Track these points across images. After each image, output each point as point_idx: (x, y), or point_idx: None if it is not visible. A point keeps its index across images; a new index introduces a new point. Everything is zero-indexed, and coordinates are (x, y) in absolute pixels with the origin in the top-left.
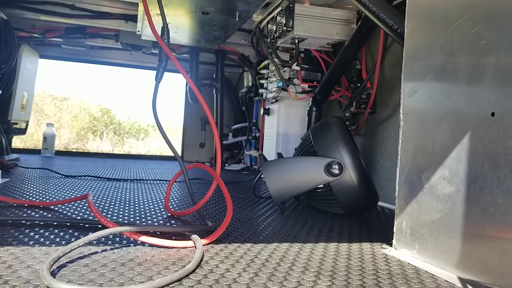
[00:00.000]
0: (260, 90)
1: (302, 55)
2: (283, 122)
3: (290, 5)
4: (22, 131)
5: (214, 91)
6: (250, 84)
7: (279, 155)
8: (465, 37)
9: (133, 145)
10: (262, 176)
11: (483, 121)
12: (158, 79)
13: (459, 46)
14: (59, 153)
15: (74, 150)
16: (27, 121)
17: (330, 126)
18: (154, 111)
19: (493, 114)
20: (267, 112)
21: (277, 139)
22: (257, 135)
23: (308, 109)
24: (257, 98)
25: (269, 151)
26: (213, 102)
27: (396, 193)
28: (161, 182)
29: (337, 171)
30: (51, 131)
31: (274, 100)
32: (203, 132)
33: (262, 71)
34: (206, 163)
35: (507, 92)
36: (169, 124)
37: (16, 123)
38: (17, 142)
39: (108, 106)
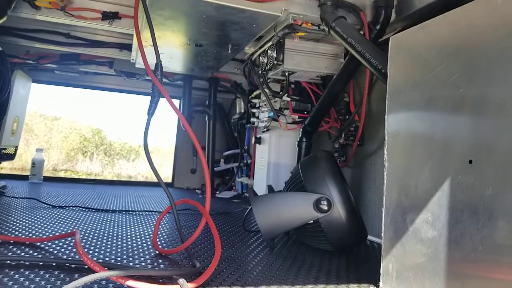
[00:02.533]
0: (252, 119)
1: (292, 86)
2: (274, 151)
3: (281, 40)
4: (11, 157)
5: (206, 117)
6: (243, 111)
7: (270, 188)
8: (443, 84)
9: (123, 167)
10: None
11: (462, 168)
12: (150, 113)
13: (437, 92)
14: (47, 178)
15: (62, 174)
16: (17, 146)
17: (318, 160)
18: (145, 145)
19: (471, 162)
20: (258, 141)
21: (268, 168)
22: (249, 161)
23: (298, 139)
24: (249, 125)
25: (260, 181)
26: (206, 128)
27: (382, 233)
28: (150, 213)
29: (325, 207)
30: (40, 156)
31: (265, 129)
32: (194, 158)
33: (253, 100)
34: (197, 190)
35: (482, 141)
36: (162, 146)
37: (5, 149)
38: (4, 163)
39: (100, 127)
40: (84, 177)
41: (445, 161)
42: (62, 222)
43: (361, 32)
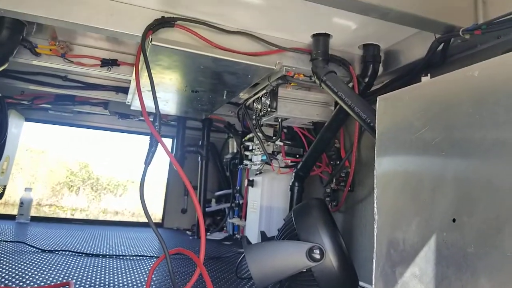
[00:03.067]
0: (245, 161)
1: (285, 130)
2: (266, 195)
3: (274, 89)
4: None
5: (199, 157)
6: (235, 151)
7: (263, 234)
8: (427, 146)
9: (110, 202)
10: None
11: (446, 225)
12: (147, 163)
13: (422, 152)
14: (34, 218)
15: (47, 209)
16: (5, 185)
17: (311, 208)
18: (141, 194)
19: (454, 220)
20: (251, 183)
21: (260, 212)
22: (241, 202)
23: (291, 184)
24: (241, 166)
25: (252, 224)
26: (198, 168)
27: (373, 286)
28: (142, 258)
29: (318, 256)
30: (29, 196)
31: (258, 172)
32: (185, 197)
33: (247, 143)
34: (187, 232)
35: (464, 202)
36: (155, 179)
37: None
38: None
39: (87, 161)
40: (69, 212)
41: (431, 218)
42: (53, 269)
43: (350, 84)
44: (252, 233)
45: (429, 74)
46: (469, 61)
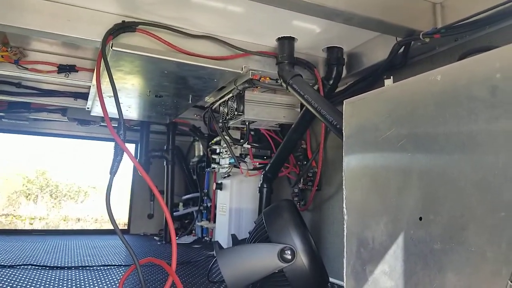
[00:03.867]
0: (212, 165)
1: (252, 133)
2: (235, 197)
3: (241, 92)
4: None
5: (165, 162)
6: (202, 154)
7: (234, 238)
8: (393, 147)
9: (71, 209)
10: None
11: (413, 223)
12: (113, 172)
13: (388, 154)
14: None
15: (3, 219)
16: None
17: (281, 210)
18: (108, 205)
19: (420, 219)
20: (220, 187)
21: (229, 214)
22: (209, 205)
23: (259, 185)
24: (208, 169)
25: (222, 226)
26: (164, 173)
27: (344, 284)
28: (108, 268)
29: (289, 257)
30: None
31: (226, 175)
32: (151, 202)
33: (214, 146)
34: (155, 237)
35: (430, 201)
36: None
37: None
38: None
39: (44, 168)
40: (28, 221)
41: (398, 217)
42: (14, 286)
43: (316, 87)
44: (222, 236)
45: (392, 77)
46: (429, 63)
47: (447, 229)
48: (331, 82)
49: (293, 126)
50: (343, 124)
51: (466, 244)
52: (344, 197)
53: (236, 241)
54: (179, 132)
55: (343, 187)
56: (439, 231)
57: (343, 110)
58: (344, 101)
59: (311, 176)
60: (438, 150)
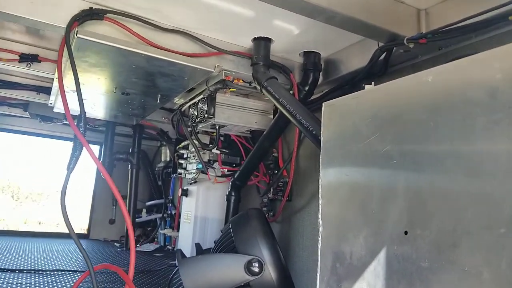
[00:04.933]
0: (179, 170)
1: (222, 138)
2: (201, 205)
3: (212, 94)
4: None
5: (129, 165)
6: (168, 159)
7: (198, 247)
8: (376, 154)
9: (32, 211)
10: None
11: (397, 238)
12: (70, 168)
13: (372, 161)
14: None
15: None
16: None
17: (249, 219)
18: (62, 203)
19: (406, 233)
20: (185, 193)
21: (194, 222)
22: (173, 212)
23: (227, 193)
24: (174, 175)
25: (186, 235)
26: (128, 177)
27: None
28: (64, 274)
29: (257, 270)
30: None
31: (192, 181)
32: (113, 207)
33: (181, 151)
34: (116, 244)
35: (417, 214)
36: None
37: None
38: None
39: (4, 168)
40: None
41: (380, 230)
42: None
43: (291, 92)
44: (185, 245)
45: (372, 82)
46: (410, 72)
47: (436, 245)
48: (307, 88)
49: (265, 132)
50: (321, 128)
51: (458, 263)
52: (320, 207)
53: (200, 250)
54: (146, 136)
55: (319, 196)
56: (427, 247)
57: (322, 113)
58: (323, 104)
59: (282, 186)
60: (428, 157)
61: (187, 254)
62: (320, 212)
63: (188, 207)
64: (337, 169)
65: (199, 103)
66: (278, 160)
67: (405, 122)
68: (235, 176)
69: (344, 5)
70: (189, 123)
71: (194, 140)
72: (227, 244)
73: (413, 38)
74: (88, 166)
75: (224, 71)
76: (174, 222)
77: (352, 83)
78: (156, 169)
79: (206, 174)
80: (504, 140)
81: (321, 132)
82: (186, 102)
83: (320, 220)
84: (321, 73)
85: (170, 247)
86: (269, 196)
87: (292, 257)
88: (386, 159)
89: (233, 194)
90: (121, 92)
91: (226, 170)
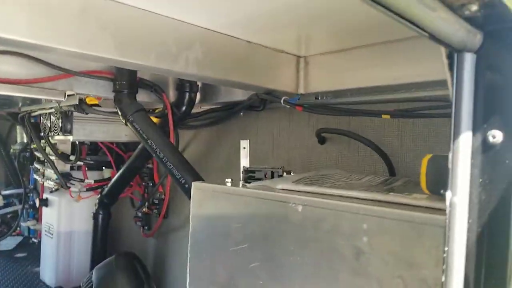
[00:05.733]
0: (36, 165)
1: (87, 144)
2: (65, 219)
3: (67, 113)
4: None
5: None
6: (25, 141)
7: None
8: (243, 267)
9: None
10: None
11: None
12: None
13: (238, 272)
14: None
15: None
16: None
17: (116, 274)
18: None
19: None
20: (45, 203)
21: (58, 239)
22: (36, 203)
23: (94, 211)
24: (32, 167)
25: (50, 254)
26: None
27: None
28: None
29: None
30: None
31: (54, 189)
32: None
33: (36, 153)
34: None
35: None
36: None
37: None
38: None
39: None
40: None
41: None
42: None
43: (165, 111)
44: (48, 266)
45: (248, 140)
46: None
47: None
48: (183, 109)
49: (136, 152)
50: (191, 210)
51: None
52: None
53: None
54: None
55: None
56: None
57: (192, 193)
58: (193, 183)
59: (157, 204)
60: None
61: (52, 280)
62: None
63: (50, 219)
64: (206, 269)
65: (51, 116)
66: (153, 172)
67: (274, 243)
68: (104, 193)
69: (214, 70)
70: (42, 133)
71: (49, 155)
72: None
73: (291, 102)
74: None
75: (78, 96)
76: (38, 213)
77: (232, 109)
78: (12, 150)
79: (68, 189)
80: None
81: (190, 216)
82: (35, 111)
83: None
84: (198, 94)
85: (35, 240)
86: (144, 210)
87: (169, 276)
88: (253, 276)
89: (101, 212)
90: None
91: (93, 181)
